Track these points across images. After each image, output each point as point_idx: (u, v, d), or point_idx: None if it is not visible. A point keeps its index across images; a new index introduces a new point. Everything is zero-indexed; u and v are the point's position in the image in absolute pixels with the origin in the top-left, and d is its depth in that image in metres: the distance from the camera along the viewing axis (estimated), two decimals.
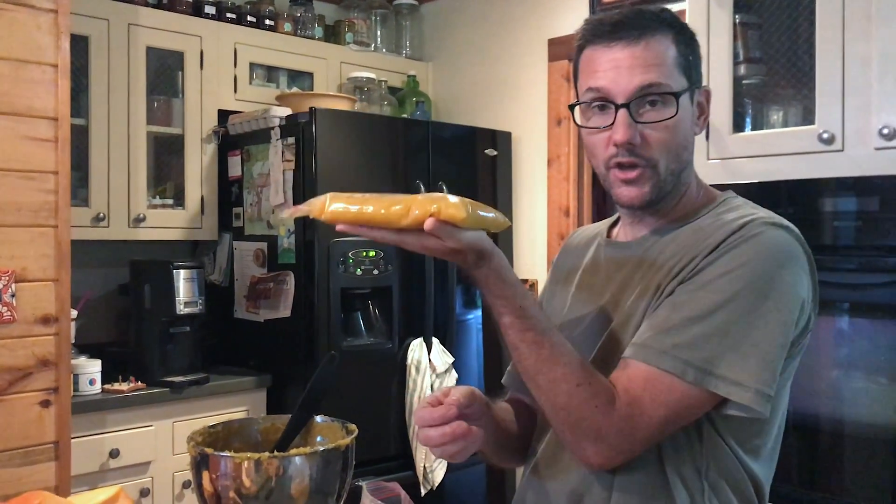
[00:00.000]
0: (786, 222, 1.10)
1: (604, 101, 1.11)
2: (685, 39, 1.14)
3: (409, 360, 2.96)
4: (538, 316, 1.06)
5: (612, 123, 1.10)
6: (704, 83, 1.19)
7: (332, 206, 0.98)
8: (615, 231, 1.29)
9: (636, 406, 1.03)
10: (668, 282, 1.09)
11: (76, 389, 2.54)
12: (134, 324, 2.87)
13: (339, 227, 0.98)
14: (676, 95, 1.10)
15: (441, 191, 3.09)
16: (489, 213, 1.02)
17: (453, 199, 0.96)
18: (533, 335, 1.04)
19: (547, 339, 1.04)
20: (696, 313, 1.03)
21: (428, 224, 0.95)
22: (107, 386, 2.63)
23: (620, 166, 1.12)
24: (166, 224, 3.03)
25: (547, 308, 1.31)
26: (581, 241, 1.35)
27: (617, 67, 1.10)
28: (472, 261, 1.01)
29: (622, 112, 1.10)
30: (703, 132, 2.13)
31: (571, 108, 1.18)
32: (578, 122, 1.17)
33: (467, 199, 0.97)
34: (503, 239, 3.34)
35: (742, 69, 2.15)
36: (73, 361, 2.47)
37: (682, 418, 1.04)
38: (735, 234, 1.07)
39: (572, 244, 1.38)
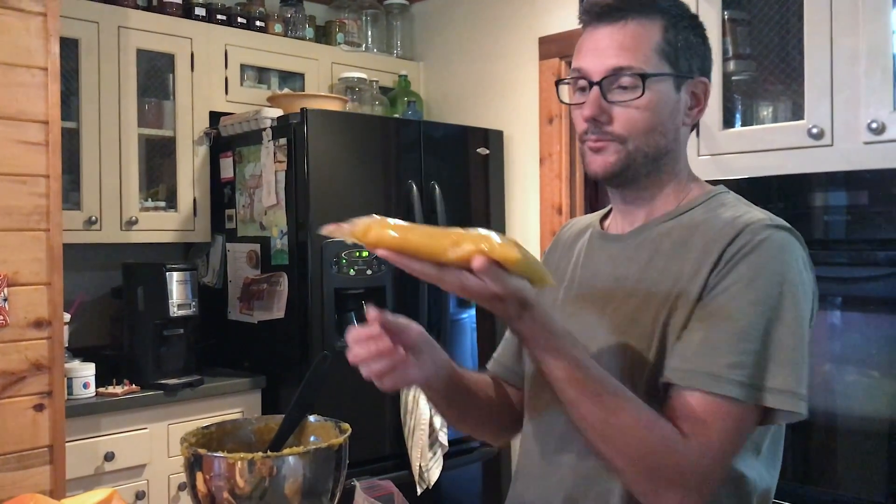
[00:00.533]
0: (785, 223, 1.10)
1: (582, 80, 1.15)
2: (679, 27, 1.14)
3: None
4: (591, 363, 1.01)
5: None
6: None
7: (376, 230, 0.94)
8: (607, 222, 1.29)
9: (704, 438, 0.99)
10: (676, 294, 1.07)
11: (70, 393, 2.53)
12: (127, 327, 2.87)
13: (379, 253, 0.94)
14: (643, 77, 1.11)
15: (433, 191, 3.09)
16: (539, 264, 0.96)
17: (502, 238, 0.91)
18: (593, 386, 0.99)
19: (606, 386, 1.00)
20: (731, 331, 1.02)
21: (477, 262, 0.90)
22: (101, 389, 2.62)
23: (588, 139, 1.16)
24: (159, 226, 3.03)
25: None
26: (573, 234, 1.35)
27: (596, 49, 1.14)
28: (514, 311, 0.96)
29: (593, 90, 1.13)
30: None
31: (557, 84, 1.25)
32: (564, 99, 1.23)
33: (516, 241, 0.92)
34: None
35: (731, 65, 2.15)
36: (66, 365, 2.46)
37: (742, 440, 1.03)
38: (738, 238, 1.06)
39: (564, 237, 1.37)
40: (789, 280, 1.05)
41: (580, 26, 1.20)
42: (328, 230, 1.00)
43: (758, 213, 1.12)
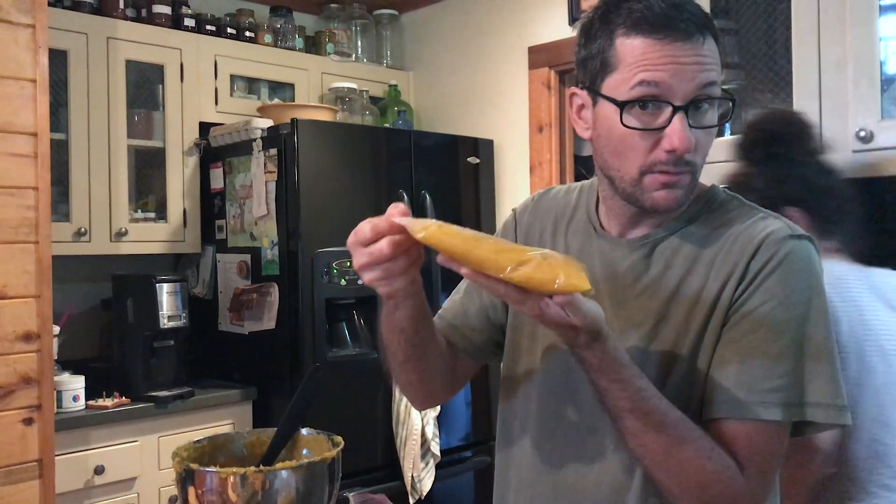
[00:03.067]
0: (800, 230, 1.09)
1: (657, 100, 1.02)
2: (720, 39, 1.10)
3: None
4: (654, 392, 1.00)
5: (664, 127, 1.02)
6: None
7: (438, 233, 0.92)
8: (601, 218, 1.20)
9: (757, 466, 1.01)
10: (704, 316, 1.05)
11: (59, 406, 2.51)
12: (117, 339, 2.85)
13: (439, 259, 0.93)
14: (733, 100, 1.06)
15: (424, 200, 3.09)
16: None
17: (568, 262, 0.89)
18: (657, 417, 0.99)
19: (669, 417, 0.99)
20: (769, 354, 1.01)
21: (560, 300, 0.89)
22: (91, 402, 2.61)
23: (665, 172, 1.04)
24: (148, 238, 3.01)
25: None
26: (558, 209, 1.28)
27: (678, 63, 1.01)
28: (585, 340, 0.94)
29: (679, 116, 1.01)
30: None
31: (621, 106, 1.03)
32: (632, 124, 1.04)
33: (580, 264, 0.90)
34: None
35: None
36: (55, 378, 2.45)
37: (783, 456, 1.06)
38: (761, 251, 1.05)
39: (543, 206, 1.30)
40: (817, 292, 1.05)
41: (617, 31, 1.05)
42: (393, 211, 0.98)
43: (773, 222, 1.10)
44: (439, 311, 1.35)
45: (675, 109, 1.01)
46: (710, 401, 1.04)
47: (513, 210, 1.36)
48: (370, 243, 0.98)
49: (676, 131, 1.01)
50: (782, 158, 1.71)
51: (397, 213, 0.97)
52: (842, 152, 1.87)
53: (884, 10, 1.86)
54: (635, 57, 1.02)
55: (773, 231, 1.07)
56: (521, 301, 0.90)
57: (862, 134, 1.83)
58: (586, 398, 1.10)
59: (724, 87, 2.19)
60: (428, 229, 0.93)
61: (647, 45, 1.02)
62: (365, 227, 0.99)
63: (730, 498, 1.00)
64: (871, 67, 1.84)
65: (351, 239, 1.01)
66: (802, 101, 1.94)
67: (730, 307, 1.04)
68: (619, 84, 1.04)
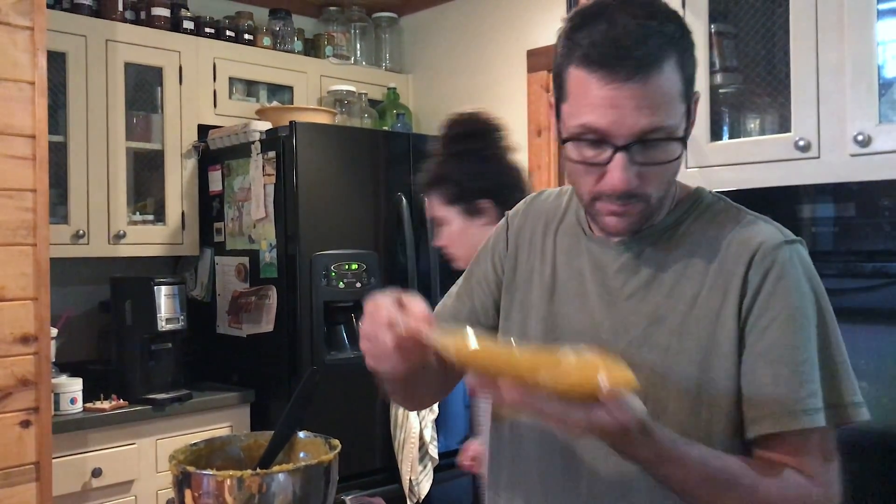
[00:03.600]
0: (790, 233, 1.10)
1: (599, 140, 1.00)
2: (689, 54, 1.03)
3: None
4: (708, 453, 0.99)
5: (607, 163, 1.01)
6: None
7: (464, 350, 0.89)
8: (590, 220, 1.18)
9: (821, 471, 1.03)
10: (706, 325, 1.06)
11: (57, 409, 2.51)
12: (115, 341, 2.85)
13: (469, 382, 0.91)
14: (683, 140, 1.01)
15: (423, 204, 3.09)
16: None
17: (603, 355, 0.86)
18: (724, 478, 0.99)
19: (733, 471, 0.99)
20: (795, 363, 1.03)
21: (610, 403, 0.85)
22: (88, 405, 2.61)
23: (613, 203, 1.04)
24: (147, 240, 3.01)
25: (511, 277, 1.25)
26: (549, 212, 1.26)
27: (618, 107, 0.97)
28: (638, 439, 0.92)
29: (620, 156, 0.99)
30: None
31: (563, 140, 1.05)
32: (574, 157, 1.04)
33: (617, 359, 0.87)
34: None
35: (718, 78, 2.16)
36: (53, 380, 2.45)
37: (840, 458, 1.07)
38: (757, 260, 1.05)
39: (535, 208, 1.29)
40: (821, 293, 1.08)
41: (569, 63, 1.02)
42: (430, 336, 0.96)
43: (764, 227, 1.10)
44: (437, 309, 1.35)
45: (617, 149, 0.99)
46: (752, 419, 1.04)
47: (506, 214, 1.35)
48: (383, 328, 0.99)
49: (614, 172, 1.00)
50: (477, 154, 1.85)
51: (422, 319, 0.97)
52: (839, 156, 1.87)
53: (882, 14, 1.86)
54: (578, 95, 1.01)
55: (766, 238, 1.08)
56: (565, 414, 0.87)
57: (860, 138, 1.83)
58: None
59: (722, 90, 2.20)
60: (459, 351, 0.90)
61: (590, 82, 0.99)
62: (383, 313, 1.00)
63: None
64: (869, 71, 1.84)
65: (368, 310, 1.03)
66: (800, 105, 1.94)
67: (739, 320, 1.05)
68: (568, 115, 1.03)
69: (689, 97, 1.04)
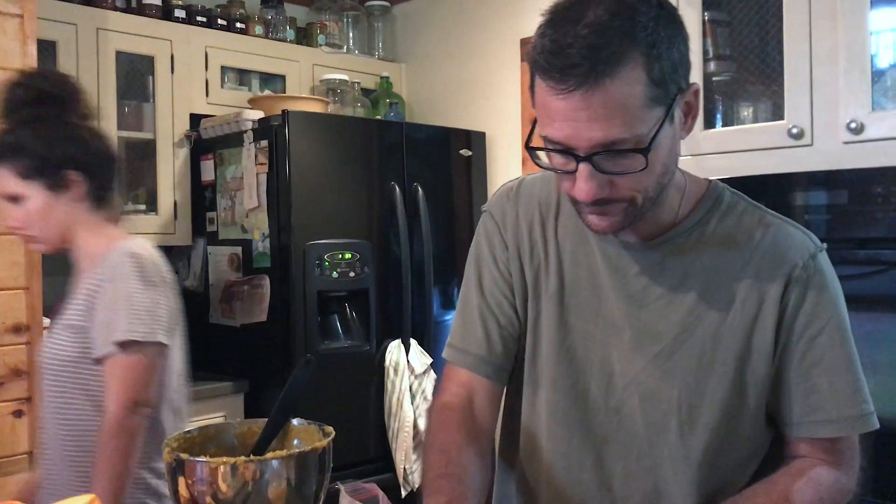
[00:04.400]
0: (817, 239, 1.12)
1: (563, 150, 0.97)
2: (661, 51, 0.94)
3: (387, 362, 2.95)
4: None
5: (574, 171, 0.98)
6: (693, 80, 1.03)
7: None
8: None
9: (854, 468, 1.11)
10: (742, 335, 1.07)
11: None
12: None
13: None
14: (645, 151, 0.94)
15: (416, 193, 3.09)
16: None
17: None
18: None
19: None
20: (846, 367, 1.08)
21: None
22: None
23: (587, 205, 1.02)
24: (139, 230, 2.99)
25: (520, 280, 1.20)
26: (541, 201, 1.21)
27: (571, 119, 0.93)
28: None
29: (583, 167, 0.96)
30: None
31: (529, 150, 1.02)
32: (542, 164, 1.02)
33: None
34: None
35: (712, 66, 2.17)
36: None
37: None
38: (797, 272, 1.07)
39: (524, 198, 1.23)
40: (843, 298, 1.11)
41: (533, 72, 0.98)
42: None
43: (793, 232, 1.11)
44: (449, 341, 1.25)
45: (579, 160, 0.96)
46: (808, 423, 1.08)
47: (487, 213, 1.26)
48: None
49: (580, 183, 0.97)
50: (55, 120, 1.63)
51: None
52: (832, 143, 1.88)
53: (875, 3, 1.86)
54: (539, 104, 0.98)
55: (801, 247, 1.09)
56: None
57: (853, 125, 1.83)
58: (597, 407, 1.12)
59: (716, 78, 2.20)
60: None
61: (546, 92, 0.95)
62: None
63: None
64: (862, 60, 1.84)
65: None
66: (793, 93, 1.94)
67: (778, 330, 1.07)
68: (538, 123, 1.00)
69: (668, 97, 0.96)
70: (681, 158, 2.15)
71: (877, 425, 1.07)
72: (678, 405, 1.08)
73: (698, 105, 1.04)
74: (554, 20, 0.96)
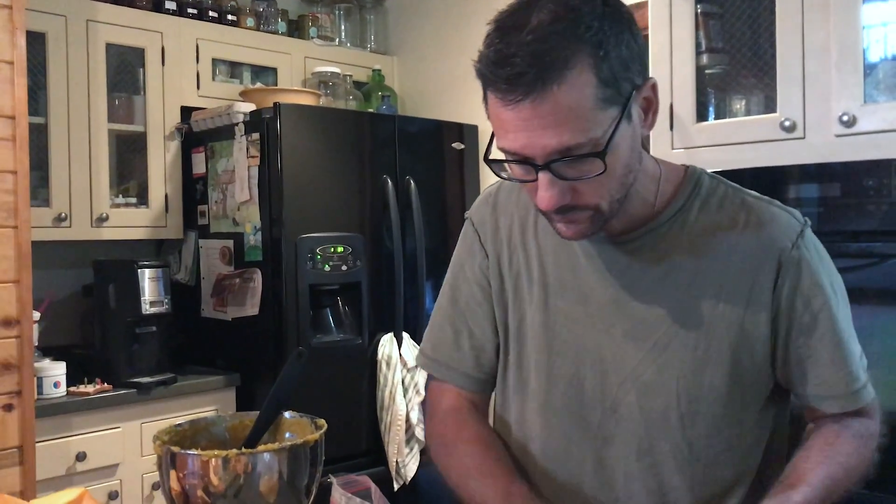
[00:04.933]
0: (799, 214, 1.11)
1: (521, 160, 0.96)
2: (608, 50, 0.91)
3: (379, 356, 2.95)
4: (824, 481, 1.03)
5: (535, 180, 0.97)
6: (651, 74, 1.01)
7: None
8: None
9: (875, 414, 1.13)
10: (735, 320, 1.06)
11: (40, 393, 2.49)
12: (99, 325, 2.83)
13: None
14: (601, 155, 0.93)
15: (408, 186, 3.08)
16: None
17: None
18: (839, 489, 1.05)
19: (833, 482, 1.04)
20: (846, 341, 1.09)
21: None
22: (72, 388, 2.59)
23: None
24: (130, 223, 2.99)
25: (500, 288, 1.19)
26: (520, 204, 1.20)
27: (526, 129, 0.92)
28: None
29: (543, 175, 0.95)
30: (663, 122, 2.13)
31: (488, 163, 1.01)
32: (505, 175, 1.02)
33: None
34: None
35: (704, 59, 2.16)
36: (36, 364, 2.43)
37: None
38: (787, 252, 1.06)
39: (502, 203, 1.22)
40: (834, 270, 1.12)
41: (483, 84, 0.97)
42: None
43: (776, 211, 1.10)
44: (423, 349, 1.29)
45: (538, 168, 0.95)
46: (814, 397, 1.09)
47: (468, 219, 1.26)
48: None
49: (541, 192, 0.96)
50: None
51: None
52: (824, 136, 1.88)
53: None
54: (492, 116, 0.97)
55: (785, 227, 1.08)
56: None
57: (845, 118, 1.83)
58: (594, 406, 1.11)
59: (708, 70, 2.19)
60: None
61: (496, 104, 0.95)
62: None
63: (874, 449, 1.11)
64: (854, 53, 1.84)
65: None
66: (786, 86, 1.94)
67: (772, 311, 1.07)
68: (496, 141, 0.99)
69: (622, 95, 0.94)
70: (674, 151, 2.16)
71: (872, 393, 1.11)
72: (677, 397, 1.07)
73: (657, 100, 1.02)
74: (499, 29, 0.94)
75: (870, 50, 1.91)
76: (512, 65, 0.90)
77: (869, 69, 1.87)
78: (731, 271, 1.07)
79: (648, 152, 1.12)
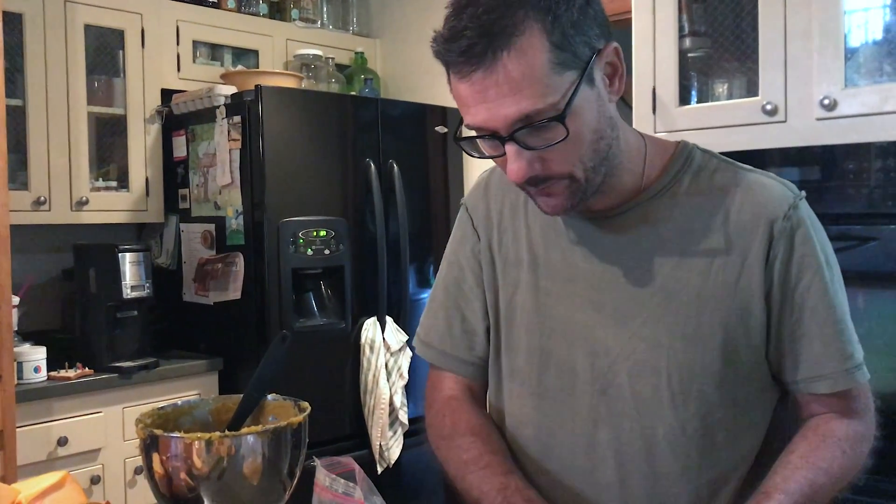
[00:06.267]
0: (795, 188, 1.08)
1: (489, 135, 0.98)
2: (559, 15, 0.92)
3: (362, 340, 2.95)
4: (807, 479, 1.01)
5: (504, 155, 0.98)
6: (634, 58, 1.04)
7: None
8: None
9: (867, 413, 1.10)
10: (726, 291, 1.04)
11: (20, 377, 2.47)
12: (79, 309, 2.81)
13: None
14: (561, 118, 0.93)
15: (392, 169, 3.07)
16: None
17: None
18: (824, 493, 1.03)
19: (826, 479, 1.02)
20: (837, 318, 1.05)
21: None
22: (53, 373, 2.57)
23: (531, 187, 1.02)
24: (110, 207, 2.96)
25: (491, 272, 1.20)
26: (513, 191, 1.19)
27: (484, 101, 0.93)
28: None
29: (509, 146, 0.96)
30: (646, 105, 2.13)
31: (458, 141, 1.03)
32: (477, 153, 1.03)
33: None
34: (455, 217, 3.33)
35: (687, 42, 2.16)
36: (16, 349, 2.41)
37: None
38: (778, 222, 1.04)
39: (494, 187, 1.24)
40: (829, 246, 1.09)
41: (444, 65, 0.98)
42: None
43: (769, 182, 1.08)
44: (421, 337, 1.28)
45: (503, 140, 0.96)
46: (806, 379, 1.06)
47: (463, 205, 1.27)
48: None
49: (510, 164, 0.97)
50: None
51: None
52: (806, 120, 1.89)
53: None
54: (455, 96, 0.99)
55: (780, 198, 1.06)
56: None
57: (826, 102, 1.85)
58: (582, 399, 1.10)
59: (691, 54, 2.19)
60: None
61: (455, 80, 0.96)
62: None
63: (863, 454, 1.08)
64: (835, 37, 1.85)
65: None
66: (768, 70, 1.95)
67: (765, 284, 1.04)
68: (461, 113, 1.00)
69: (579, 59, 0.94)
70: (656, 135, 2.16)
71: (867, 376, 1.07)
72: (668, 376, 1.04)
73: (622, 64, 1.02)
74: (454, 6, 0.96)
75: (851, 34, 1.91)
76: (463, 38, 0.92)
77: (850, 53, 1.88)
78: (722, 243, 1.04)
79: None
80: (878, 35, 1.94)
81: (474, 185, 1.28)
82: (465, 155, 3.40)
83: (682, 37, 2.15)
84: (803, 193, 1.08)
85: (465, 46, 0.92)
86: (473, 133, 1.00)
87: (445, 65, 0.98)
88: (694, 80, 2.19)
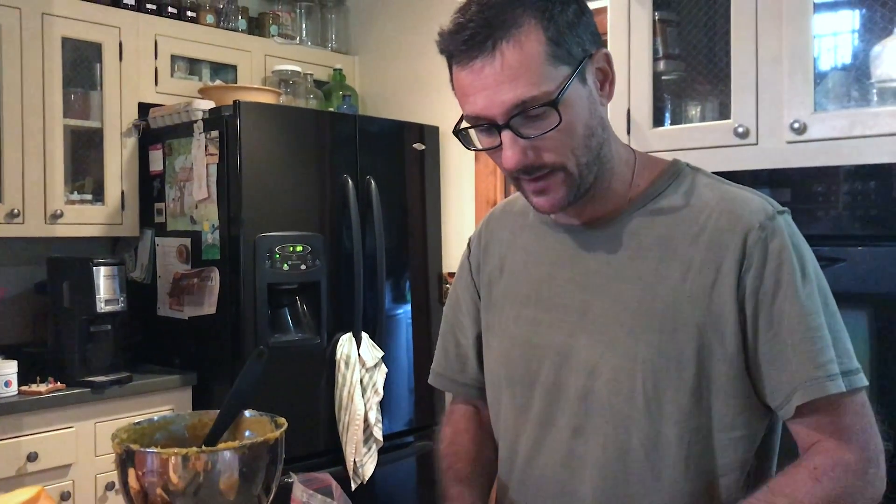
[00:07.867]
0: (778, 204, 1.09)
1: (486, 124, 1.03)
2: (555, 15, 1.00)
3: (338, 356, 2.94)
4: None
5: (501, 144, 1.03)
6: (604, 48, 1.07)
7: None
8: None
9: (855, 436, 1.02)
10: (703, 302, 1.04)
11: None
12: (52, 323, 2.79)
13: None
14: (554, 104, 0.99)
15: (369, 186, 3.08)
16: None
17: None
18: None
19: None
20: (812, 329, 1.02)
21: None
22: (24, 387, 2.54)
23: (527, 180, 1.06)
24: (85, 220, 2.94)
25: (487, 297, 1.24)
26: (514, 216, 1.25)
27: (483, 88, 1.00)
28: None
29: (505, 134, 1.02)
30: (620, 126, 2.17)
31: (457, 134, 1.09)
32: (473, 146, 1.10)
33: None
34: (432, 234, 3.35)
35: (661, 65, 2.20)
36: None
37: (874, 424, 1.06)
38: (753, 234, 1.03)
39: (496, 220, 1.29)
40: (813, 259, 1.07)
41: (448, 60, 1.07)
42: None
43: (750, 196, 1.08)
44: (433, 367, 1.36)
45: (500, 129, 1.02)
46: (783, 393, 1.03)
47: (469, 239, 1.35)
48: None
49: (505, 152, 1.03)
50: None
51: None
52: (776, 143, 1.93)
53: (818, 7, 1.92)
54: (457, 88, 1.06)
55: (759, 210, 1.06)
56: None
57: (796, 125, 1.89)
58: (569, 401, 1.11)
59: (664, 76, 2.23)
60: None
61: (456, 72, 1.04)
62: None
63: (850, 485, 1.01)
64: (805, 61, 1.90)
65: None
66: (740, 93, 1.99)
67: (739, 293, 1.03)
68: (460, 105, 1.07)
69: (573, 57, 1.01)
70: None
71: (858, 384, 1.02)
72: (642, 383, 1.05)
73: (613, 71, 1.08)
74: (460, 7, 1.05)
75: (820, 59, 1.96)
76: (466, 29, 1.01)
77: (819, 78, 1.93)
78: (698, 253, 1.05)
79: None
80: (847, 60, 1.99)
81: (482, 222, 1.34)
82: (441, 173, 3.44)
83: (656, 59, 2.19)
84: (787, 209, 1.08)
85: (468, 36, 1.00)
86: (472, 126, 1.07)
87: (449, 56, 1.05)
88: (668, 102, 2.23)
